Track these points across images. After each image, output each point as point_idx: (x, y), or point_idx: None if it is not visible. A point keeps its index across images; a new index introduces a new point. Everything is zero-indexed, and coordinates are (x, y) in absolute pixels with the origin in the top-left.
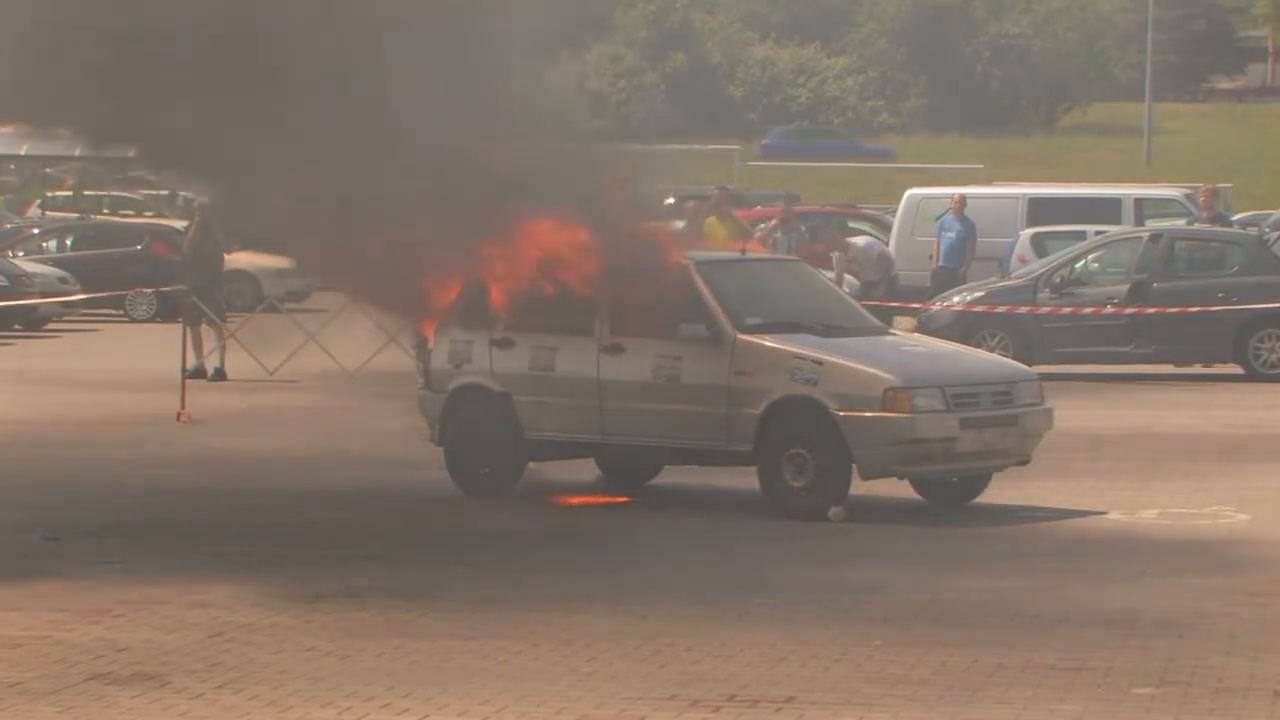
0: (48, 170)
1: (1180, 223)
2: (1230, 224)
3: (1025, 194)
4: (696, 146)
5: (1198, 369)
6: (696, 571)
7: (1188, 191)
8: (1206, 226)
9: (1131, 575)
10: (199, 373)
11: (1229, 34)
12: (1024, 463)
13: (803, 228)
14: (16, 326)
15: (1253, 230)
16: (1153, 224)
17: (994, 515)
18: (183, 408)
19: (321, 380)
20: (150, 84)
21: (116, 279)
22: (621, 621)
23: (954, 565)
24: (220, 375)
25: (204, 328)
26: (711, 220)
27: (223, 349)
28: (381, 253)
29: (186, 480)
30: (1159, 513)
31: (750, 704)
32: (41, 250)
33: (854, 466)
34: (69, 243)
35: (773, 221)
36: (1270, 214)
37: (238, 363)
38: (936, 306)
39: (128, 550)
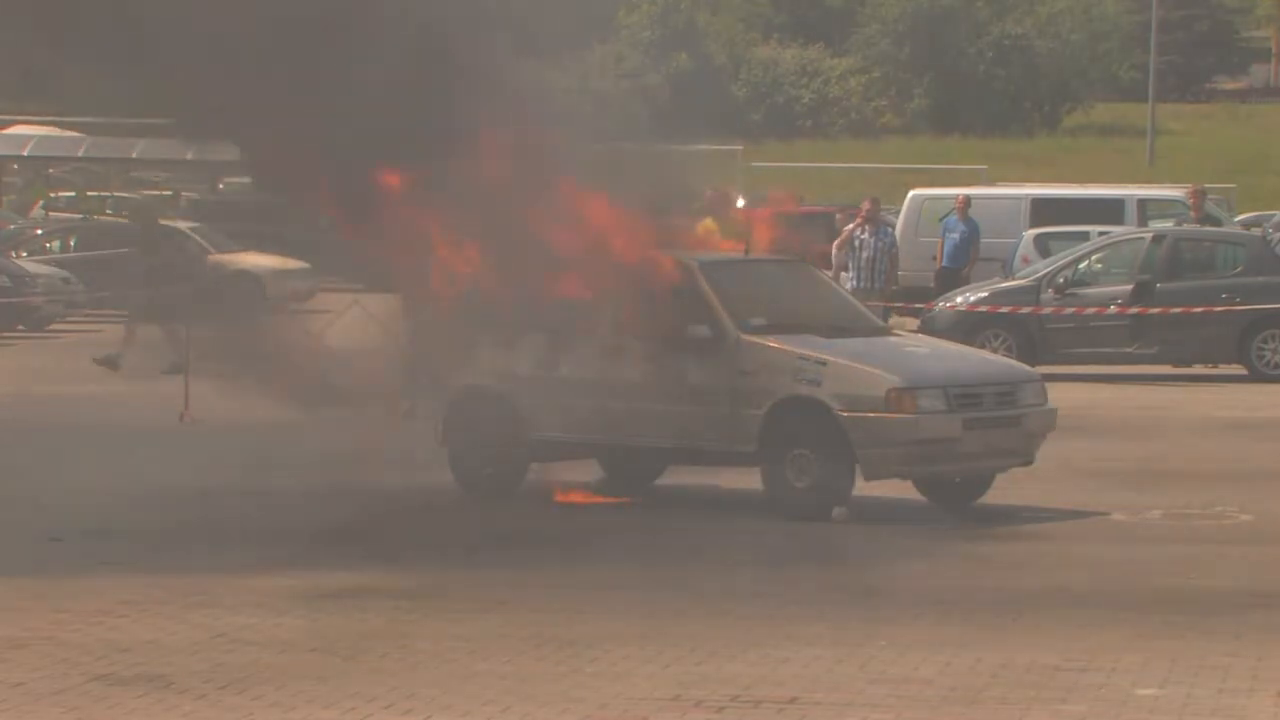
0: (51, 171)
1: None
2: (1220, 224)
3: (1028, 194)
4: (699, 147)
5: (1201, 369)
6: (699, 572)
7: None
8: (1195, 227)
9: (1135, 576)
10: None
11: (1232, 35)
12: (1027, 463)
13: (890, 229)
14: (20, 327)
15: (1256, 231)
16: (1156, 225)
17: (997, 516)
18: (185, 407)
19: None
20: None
21: (119, 280)
22: (624, 622)
23: (957, 566)
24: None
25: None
26: (706, 223)
27: (128, 340)
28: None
29: (189, 480)
30: (1162, 513)
31: (753, 704)
32: (45, 251)
33: (857, 467)
34: (72, 243)
35: (857, 220)
36: (1273, 214)
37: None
38: (940, 307)
39: (130, 551)
